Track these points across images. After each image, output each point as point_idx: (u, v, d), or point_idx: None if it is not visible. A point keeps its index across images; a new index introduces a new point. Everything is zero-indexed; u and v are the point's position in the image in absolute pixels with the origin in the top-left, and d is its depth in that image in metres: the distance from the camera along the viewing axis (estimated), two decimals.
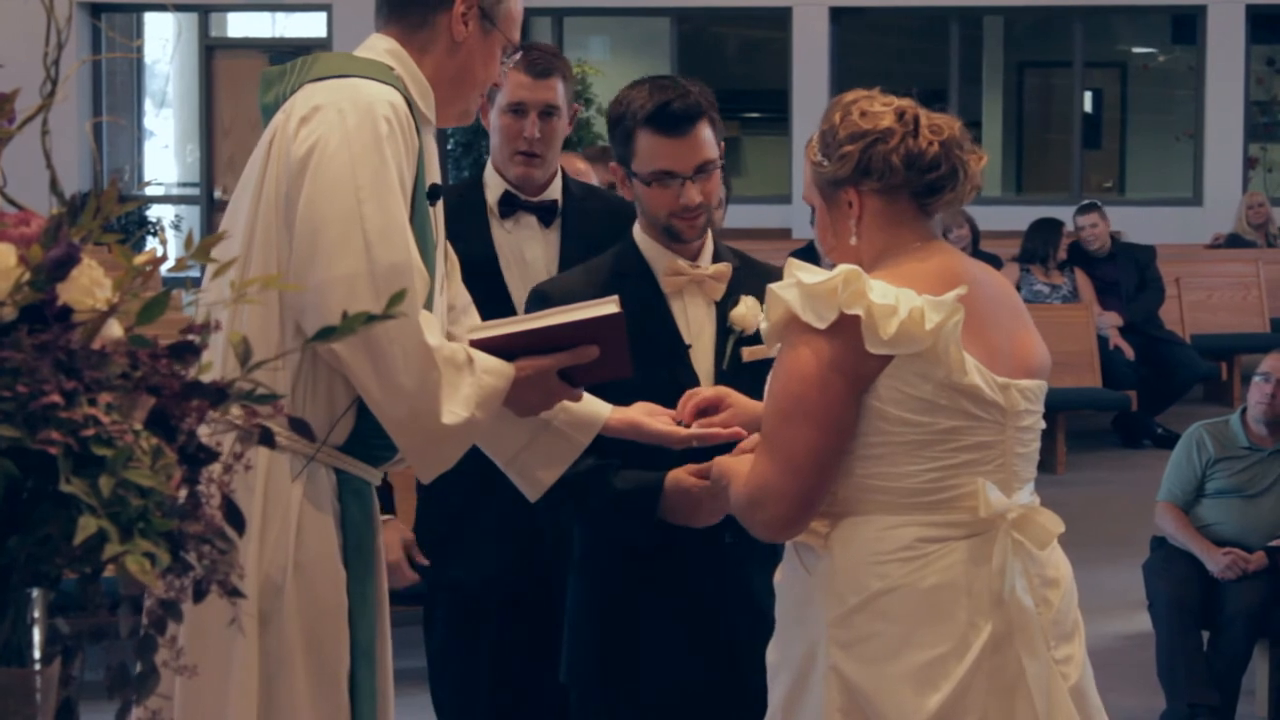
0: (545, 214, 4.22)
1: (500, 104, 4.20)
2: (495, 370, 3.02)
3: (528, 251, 4.20)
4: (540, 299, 3.61)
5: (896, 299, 2.90)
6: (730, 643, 3.55)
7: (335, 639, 3.01)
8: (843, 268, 2.94)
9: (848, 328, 2.91)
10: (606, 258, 3.72)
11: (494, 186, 4.25)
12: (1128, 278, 11.79)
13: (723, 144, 3.65)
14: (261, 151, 3.06)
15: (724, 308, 3.62)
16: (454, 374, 2.97)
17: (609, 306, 3.15)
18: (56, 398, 1.77)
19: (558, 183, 4.28)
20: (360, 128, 2.94)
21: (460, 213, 4.18)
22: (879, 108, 3.09)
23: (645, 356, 3.55)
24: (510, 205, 4.22)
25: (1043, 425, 3.12)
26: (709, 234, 3.67)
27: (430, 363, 2.93)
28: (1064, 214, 12.44)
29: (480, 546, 4.19)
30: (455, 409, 2.95)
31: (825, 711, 3.00)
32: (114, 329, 1.94)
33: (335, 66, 3.09)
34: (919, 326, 2.88)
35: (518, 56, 3.66)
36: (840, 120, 3.10)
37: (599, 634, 3.63)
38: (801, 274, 2.96)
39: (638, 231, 3.68)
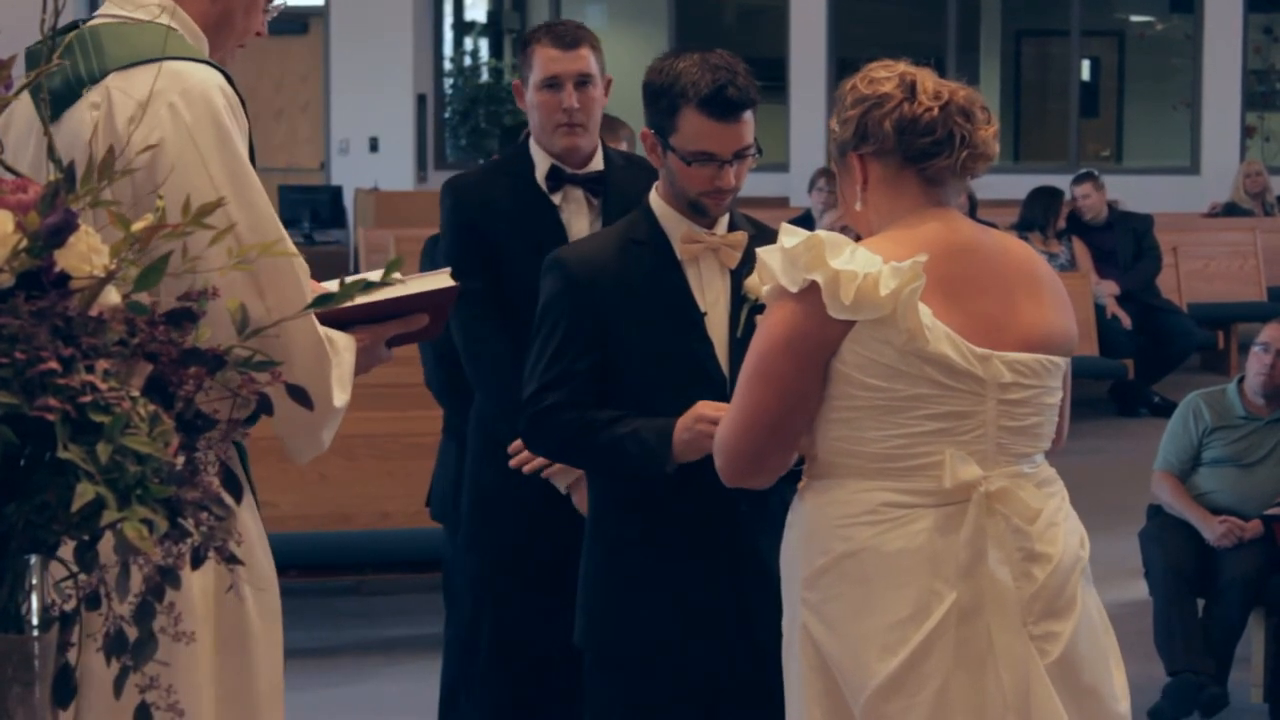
0: (592, 186, 4.26)
1: (534, 81, 4.23)
2: (348, 345, 2.93)
3: (575, 224, 4.22)
4: (557, 265, 3.63)
5: (860, 265, 2.91)
6: (743, 607, 3.57)
7: (277, 605, 2.92)
8: (817, 233, 2.96)
9: (814, 292, 2.93)
10: (622, 224, 3.73)
11: (540, 162, 4.27)
12: (1125, 246, 11.78)
13: None
14: (77, 152, 2.54)
15: (738, 276, 3.62)
16: (334, 356, 2.87)
17: (445, 279, 3.09)
18: (54, 364, 1.77)
19: (599, 154, 4.30)
20: (200, 122, 2.78)
21: (516, 189, 4.25)
22: (884, 74, 3.11)
23: (660, 324, 3.58)
24: (557, 179, 4.25)
25: (1053, 400, 3.10)
26: None
27: (324, 351, 2.83)
28: (1061, 182, 12.42)
29: (502, 513, 4.21)
30: (340, 391, 2.86)
31: (802, 670, 3.05)
32: (111, 295, 1.94)
33: (130, 45, 2.86)
34: (875, 292, 2.90)
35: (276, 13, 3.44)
36: (850, 87, 3.14)
37: (612, 598, 3.65)
38: (785, 238, 2.99)
39: (654, 198, 3.68)
